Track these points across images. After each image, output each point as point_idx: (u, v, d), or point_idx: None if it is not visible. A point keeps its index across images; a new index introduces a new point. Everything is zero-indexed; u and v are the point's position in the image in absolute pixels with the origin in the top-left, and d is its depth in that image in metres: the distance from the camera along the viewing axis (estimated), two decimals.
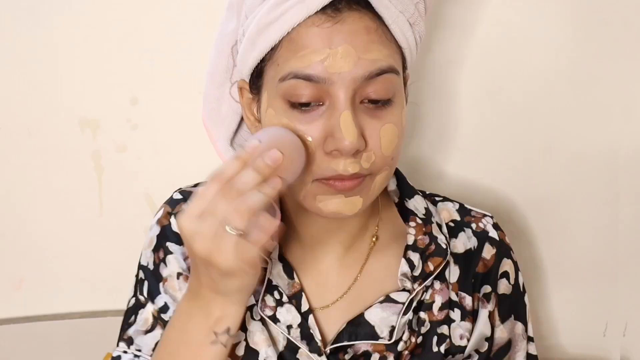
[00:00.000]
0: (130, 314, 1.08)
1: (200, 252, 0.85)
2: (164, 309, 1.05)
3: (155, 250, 1.08)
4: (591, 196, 1.36)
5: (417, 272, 1.04)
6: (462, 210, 1.13)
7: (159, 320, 1.05)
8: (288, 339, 1.02)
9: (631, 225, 1.36)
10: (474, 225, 1.10)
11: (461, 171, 1.36)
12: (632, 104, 1.31)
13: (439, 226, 1.09)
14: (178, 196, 1.11)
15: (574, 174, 1.35)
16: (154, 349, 1.02)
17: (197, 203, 0.85)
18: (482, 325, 1.06)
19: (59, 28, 1.31)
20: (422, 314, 1.04)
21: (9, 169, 1.38)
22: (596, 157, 1.34)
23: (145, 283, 1.08)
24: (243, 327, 1.02)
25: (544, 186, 1.36)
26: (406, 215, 1.09)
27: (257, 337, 1.02)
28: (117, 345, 1.07)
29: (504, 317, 1.09)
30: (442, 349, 1.04)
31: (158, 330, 1.04)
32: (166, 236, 1.08)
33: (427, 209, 1.10)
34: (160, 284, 1.07)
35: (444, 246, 1.06)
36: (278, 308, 1.02)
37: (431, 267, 1.04)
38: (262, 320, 1.03)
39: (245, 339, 1.02)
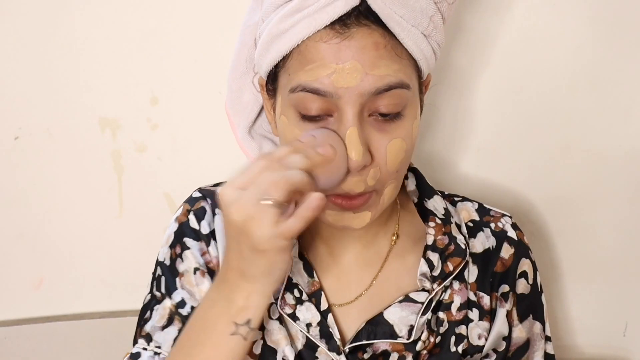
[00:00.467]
0: (146, 309, 1.08)
1: (236, 219, 0.83)
2: (181, 304, 1.05)
3: (172, 246, 1.09)
4: (610, 196, 1.35)
5: (436, 272, 1.04)
6: (481, 210, 1.13)
7: (176, 315, 1.05)
8: (307, 337, 1.02)
9: None
10: (492, 225, 1.11)
11: (480, 171, 1.36)
12: None
13: (458, 226, 1.09)
14: (197, 194, 1.11)
15: (593, 173, 1.34)
16: (173, 345, 1.02)
17: (242, 176, 0.85)
18: (500, 324, 1.07)
19: (79, 28, 1.32)
20: (441, 314, 1.04)
21: (29, 169, 1.38)
22: (615, 157, 1.33)
23: (162, 279, 1.08)
24: (261, 325, 1.02)
25: (563, 186, 1.36)
26: (425, 215, 1.09)
27: (275, 336, 1.02)
28: (136, 342, 1.07)
29: (523, 316, 1.09)
30: (460, 349, 1.04)
31: (176, 326, 1.04)
32: (184, 232, 1.09)
33: (446, 209, 1.10)
34: (177, 279, 1.07)
35: (463, 246, 1.06)
36: (298, 306, 1.02)
37: (450, 268, 1.04)
38: (279, 319, 1.03)
39: (263, 338, 1.02)
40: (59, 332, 1.42)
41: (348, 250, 1.07)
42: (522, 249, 1.10)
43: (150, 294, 1.09)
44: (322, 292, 1.04)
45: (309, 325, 1.02)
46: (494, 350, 1.06)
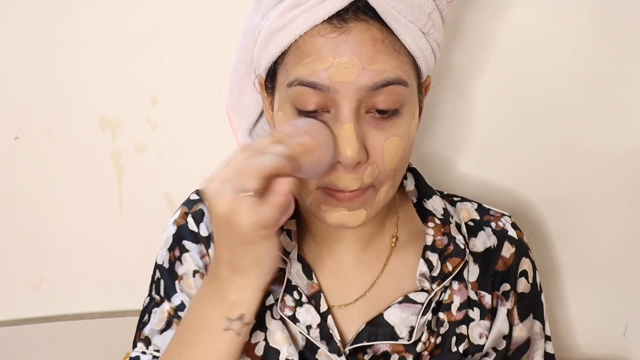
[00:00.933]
0: (145, 313, 1.09)
1: (220, 211, 0.83)
2: (181, 307, 1.05)
3: (171, 249, 1.09)
4: (610, 196, 1.35)
5: (435, 273, 1.04)
6: (481, 209, 1.13)
7: (175, 318, 1.05)
8: (307, 339, 1.02)
9: None
10: (493, 224, 1.11)
11: (480, 171, 1.36)
12: None
13: (458, 226, 1.09)
14: (195, 197, 1.11)
15: (593, 173, 1.34)
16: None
17: (224, 168, 0.85)
18: (500, 323, 1.07)
19: (79, 28, 1.32)
20: (441, 315, 1.04)
21: (29, 168, 1.39)
22: (615, 157, 1.33)
23: (161, 282, 1.08)
24: (263, 327, 1.02)
25: (563, 186, 1.36)
26: (424, 215, 1.09)
27: (278, 336, 1.02)
28: (135, 345, 1.07)
29: (523, 316, 1.09)
30: (461, 349, 1.04)
31: (174, 329, 1.04)
32: (182, 235, 1.09)
33: (445, 209, 1.10)
34: (176, 282, 1.07)
35: (462, 246, 1.06)
36: (297, 308, 1.02)
37: (450, 268, 1.04)
38: (282, 319, 1.03)
39: (265, 339, 1.02)
40: (59, 332, 1.43)
41: (347, 252, 1.07)
42: (522, 249, 1.10)
43: (149, 297, 1.10)
44: (322, 294, 1.04)
45: (309, 327, 1.02)
46: (494, 349, 1.06)
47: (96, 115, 1.36)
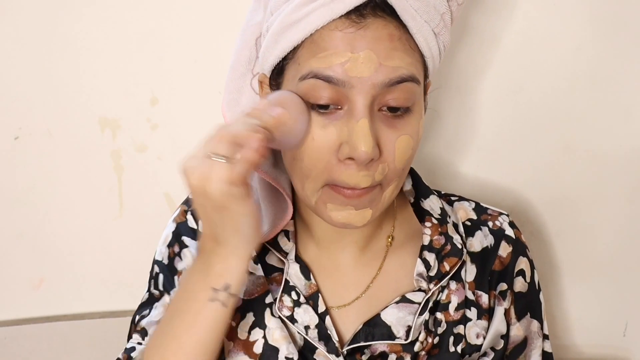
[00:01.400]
0: (144, 308, 1.09)
1: (194, 183, 0.85)
2: None
3: (170, 245, 1.09)
4: (610, 196, 1.35)
5: (433, 272, 1.04)
6: (479, 208, 1.13)
7: None
8: (305, 339, 1.02)
9: None
10: (490, 224, 1.11)
11: (480, 171, 1.36)
12: None
13: (455, 226, 1.09)
14: None
15: (593, 173, 1.34)
16: None
17: (199, 147, 0.86)
18: (498, 322, 1.07)
19: (79, 28, 1.32)
20: (439, 315, 1.04)
21: (29, 168, 1.39)
22: (615, 157, 1.33)
23: (160, 276, 1.09)
24: (262, 324, 1.03)
25: (563, 186, 1.36)
26: (422, 215, 1.09)
27: (278, 334, 1.02)
28: (131, 337, 1.08)
29: (520, 315, 1.09)
30: (459, 349, 1.04)
31: None
32: (182, 232, 1.09)
33: (442, 208, 1.10)
34: (175, 277, 1.08)
35: (460, 246, 1.06)
36: (295, 308, 1.02)
37: (447, 268, 1.04)
38: (280, 318, 1.03)
39: (264, 336, 1.02)
40: (59, 332, 1.43)
41: (345, 253, 1.07)
42: (519, 247, 1.10)
43: (147, 292, 1.10)
44: (320, 295, 1.04)
45: (307, 328, 1.02)
46: (492, 348, 1.06)
47: (96, 115, 1.36)
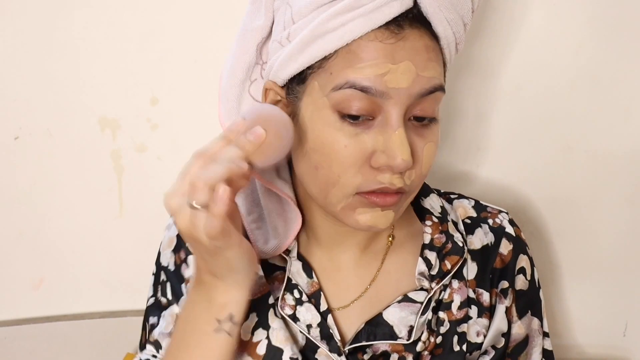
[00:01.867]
0: (151, 314, 1.09)
1: (182, 228, 0.84)
2: None
3: (176, 250, 1.09)
4: (611, 195, 1.35)
5: (434, 271, 1.04)
6: (478, 206, 1.13)
7: None
8: (307, 338, 1.02)
9: None
10: (490, 221, 1.10)
11: (481, 171, 1.36)
12: None
13: (455, 224, 1.09)
14: None
15: (594, 173, 1.34)
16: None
17: (181, 180, 0.85)
18: (499, 320, 1.06)
19: (79, 28, 1.32)
20: (441, 314, 1.04)
21: (29, 168, 1.38)
22: (615, 157, 1.33)
23: (168, 284, 1.08)
24: (265, 325, 1.02)
25: (563, 186, 1.36)
26: (422, 214, 1.09)
27: (282, 335, 1.02)
28: (144, 347, 1.07)
29: (521, 313, 1.08)
30: (464, 347, 1.04)
31: None
32: None
33: (442, 207, 1.10)
34: (183, 285, 1.07)
35: (461, 244, 1.06)
36: (298, 307, 1.02)
37: (448, 266, 1.04)
38: (282, 318, 1.03)
39: (268, 337, 1.02)
40: (59, 332, 1.43)
41: (345, 252, 1.07)
42: (520, 245, 1.10)
43: (154, 298, 1.09)
44: (322, 293, 1.04)
45: (309, 327, 1.02)
46: (493, 347, 1.06)
47: (96, 115, 1.36)
